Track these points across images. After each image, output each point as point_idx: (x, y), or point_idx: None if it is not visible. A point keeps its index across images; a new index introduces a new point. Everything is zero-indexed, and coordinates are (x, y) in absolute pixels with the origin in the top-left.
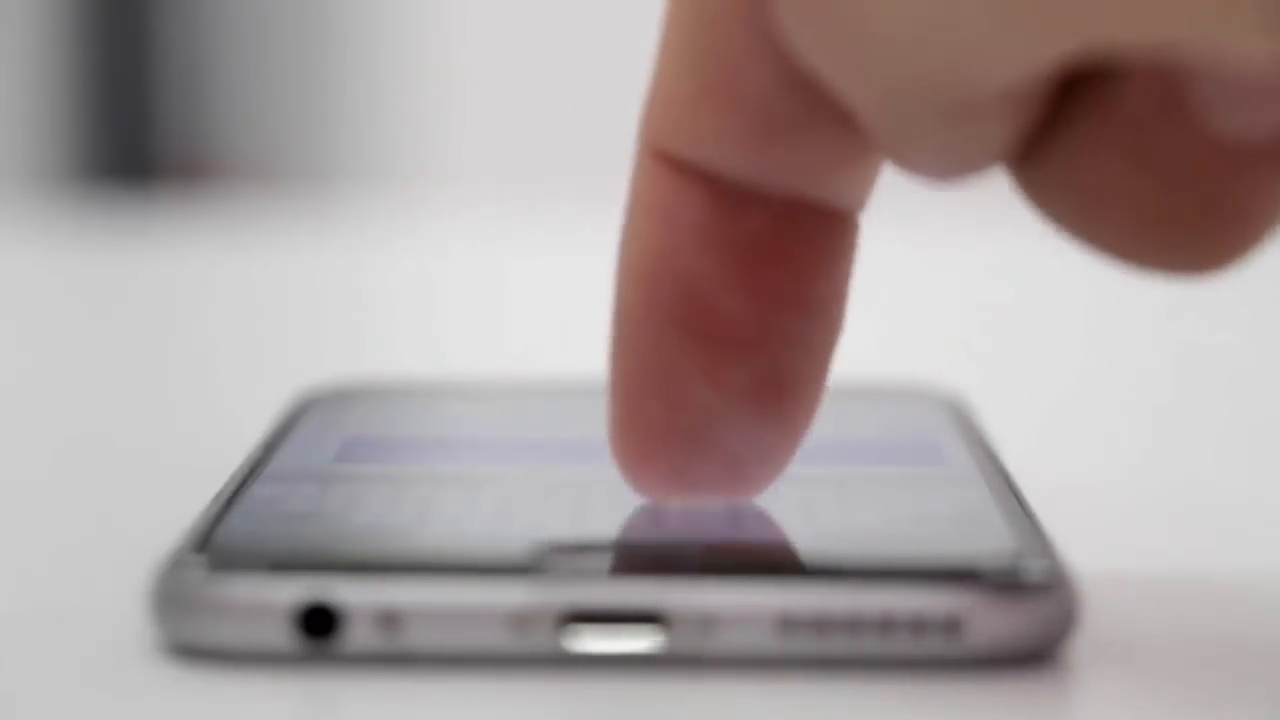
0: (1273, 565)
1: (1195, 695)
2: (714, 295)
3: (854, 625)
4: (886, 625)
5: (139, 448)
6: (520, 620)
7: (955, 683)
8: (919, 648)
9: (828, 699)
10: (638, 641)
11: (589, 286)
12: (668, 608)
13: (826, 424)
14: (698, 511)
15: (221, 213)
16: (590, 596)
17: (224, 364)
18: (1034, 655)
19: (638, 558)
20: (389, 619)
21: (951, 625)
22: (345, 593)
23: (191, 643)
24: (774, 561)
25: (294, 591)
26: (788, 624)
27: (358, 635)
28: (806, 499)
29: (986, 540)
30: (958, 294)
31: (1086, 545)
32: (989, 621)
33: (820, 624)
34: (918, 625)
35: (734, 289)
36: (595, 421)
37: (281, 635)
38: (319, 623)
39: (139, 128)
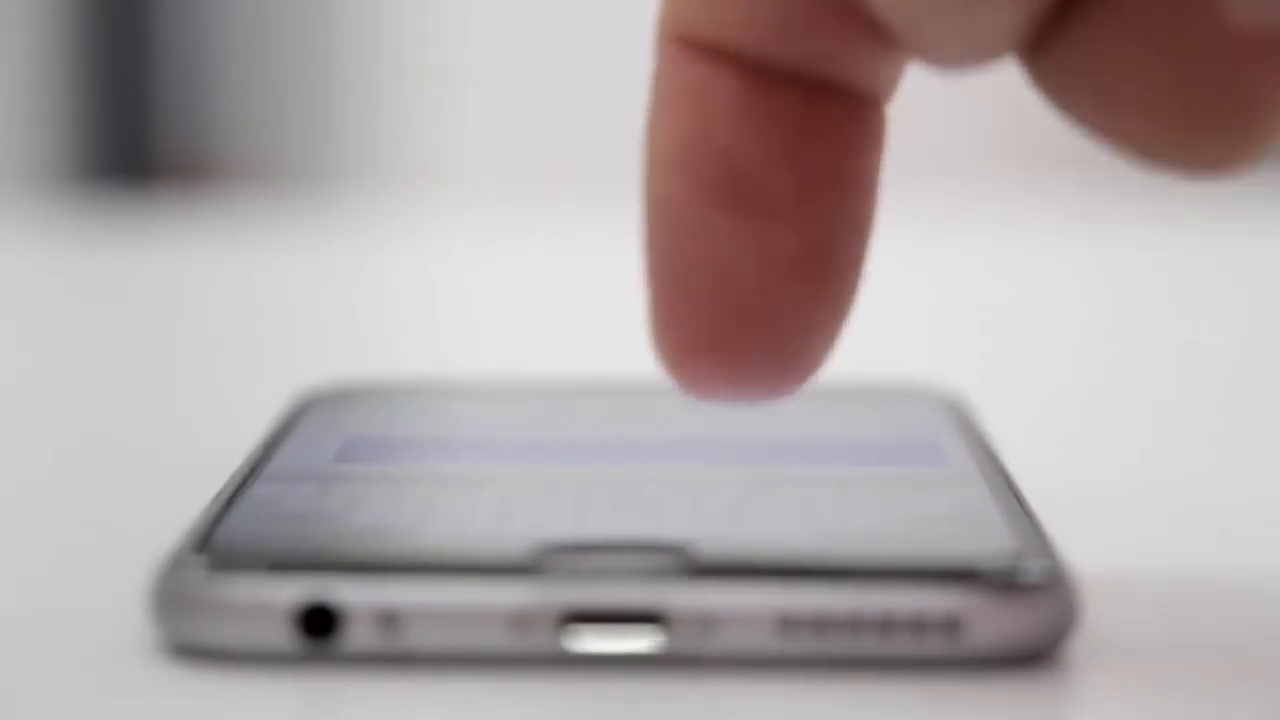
0: (1272, 565)
1: (1195, 695)
2: (756, 169)
3: (854, 625)
4: (886, 625)
5: (139, 448)
6: (520, 620)
7: (955, 683)
8: (919, 648)
9: (828, 699)
10: (638, 641)
11: (589, 286)
12: (668, 608)
13: (827, 424)
14: (697, 511)
15: (221, 213)
16: (590, 596)
17: (224, 364)
18: (1034, 655)
19: (638, 558)
20: (389, 619)
21: (951, 625)
22: (345, 593)
23: (191, 643)
24: (774, 561)
25: (294, 591)
26: (788, 624)
27: (358, 635)
28: (806, 499)
29: (986, 540)
30: (958, 294)
31: (1086, 545)
32: (989, 621)
33: (820, 624)
34: (918, 625)
35: (774, 161)
36: (596, 421)
37: (281, 635)
38: (319, 623)
39: (139, 128)
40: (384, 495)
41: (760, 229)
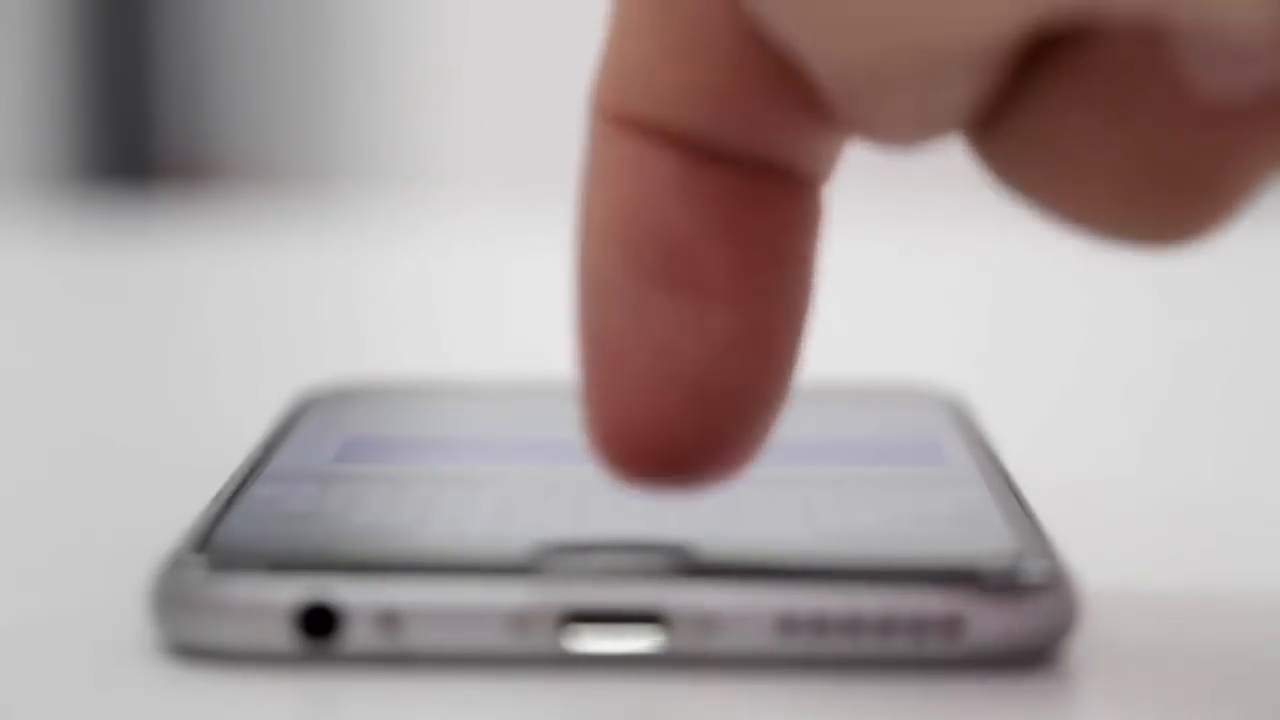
0: (1272, 566)
1: (1194, 695)
2: (692, 246)
3: (854, 625)
4: (886, 625)
5: (139, 448)
6: (520, 620)
7: (955, 683)
8: (919, 648)
9: (828, 699)
10: (638, 641)
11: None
12: (668, 608)
13: (826, 424)
14: (696, 511)
15: (221, 213)
16: (590, 596)
17: (224, 364)
18: (1033, 655)
19: (638, 558)
20: (389, 619)
21: (951, 625)
22: (345, 593)
23: (191, 643)
24: (774, 561)
25: (294, 591)
26: (788, 624)
27: (358, 635)
28: (806, 499)
29: (986, 540)
30: (958, 294)
31: (1086, 545)
32: (989, 621)
33: (820, 624)
34: (918, 625)
35: (712, 239)
36: None
37: (281, 635)
38: (319, 623)
39: (139, 128)
40: (384, 495)
41: (697, 307)
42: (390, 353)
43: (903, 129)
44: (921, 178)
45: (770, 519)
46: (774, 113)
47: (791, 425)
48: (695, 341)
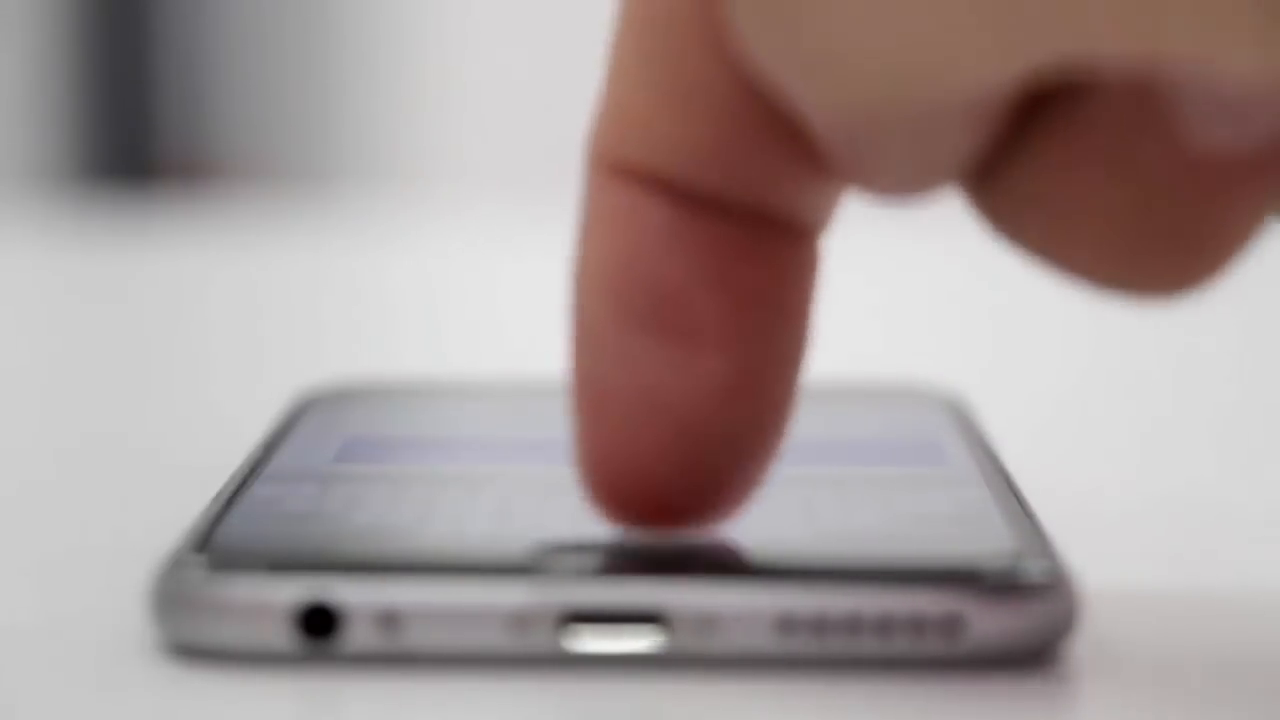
0: (1272, 566)
1: (1194, 695)
2: (684, 295)
3: (854, 625)
4: (886, 625)
5: (139, 448)
6: (520, 620)
7: (955, 683)
8: (919, 648)
9: (828, 699)
10: (638, 641)
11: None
12: (668, 608)
13: (827, 424)
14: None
15: (221, 213)
16: (590, 596)
17: (224, 364)
18: (1033, 655)
19: (638, 558)
20: (389, 619)
21: (951, 625)
22: (345, 593)
23: (191, 643)
24: (774, 561)
25: (294, 591)
26: (788, 624)
27: (358, 635)
28: (806, 499)
29: (986, 540)
30: (958, 294)
31: (1086, 545)
32: (989, 621)
33: (820, 624)
34: (918, 625)
35: (704, 288)
36: None
37: (281, 635)
38: (319, 623)
39: (139, 128)
40: (384, 495)
41: (688, 355)
42: (390, 353)
43: (898, 180)
44: None
45: (770, 519)
46: (770, 164)
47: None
48: (684, 384)
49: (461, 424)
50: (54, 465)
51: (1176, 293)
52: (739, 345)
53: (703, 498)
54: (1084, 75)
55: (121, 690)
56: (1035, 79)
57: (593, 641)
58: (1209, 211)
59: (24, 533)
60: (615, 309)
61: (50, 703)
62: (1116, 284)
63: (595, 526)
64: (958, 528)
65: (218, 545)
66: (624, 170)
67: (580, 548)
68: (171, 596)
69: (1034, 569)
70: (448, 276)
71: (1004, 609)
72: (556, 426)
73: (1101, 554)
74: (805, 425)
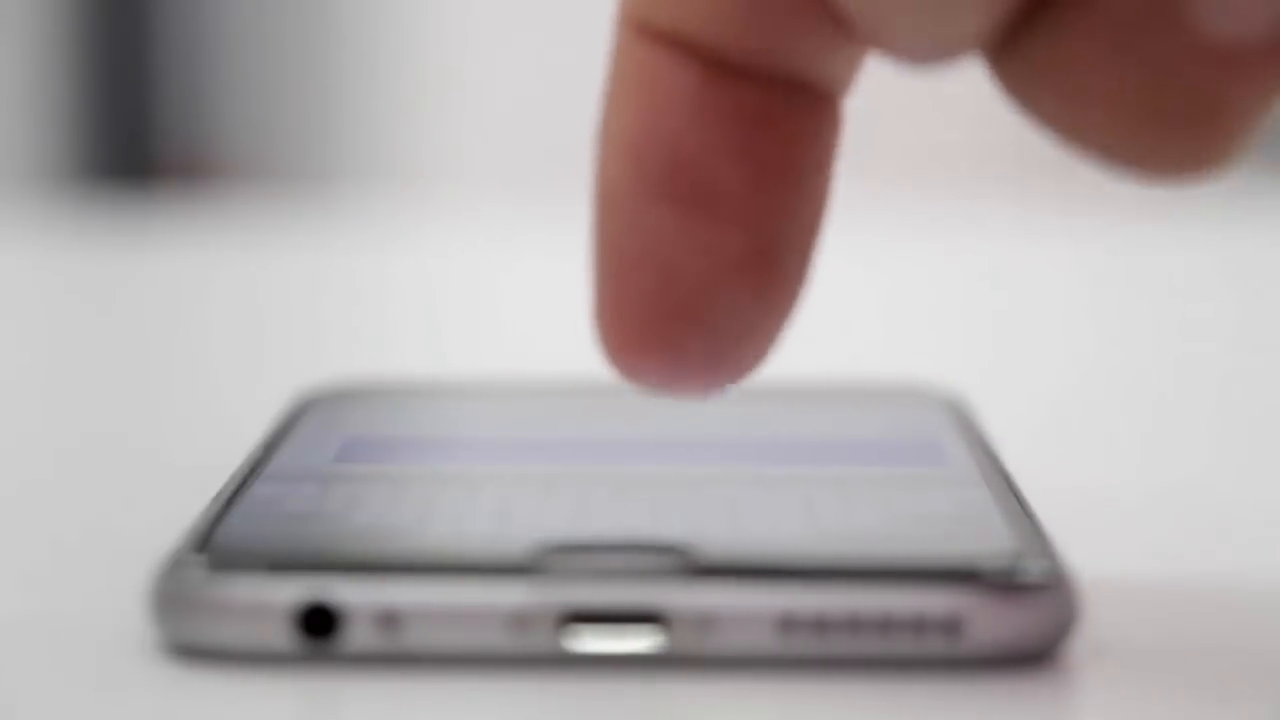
0: (1272, 566)
1: (1194, 695)
2: (704, 163)
3: (854, 625)
4: (886, 625)
5: (139, 448)
6: (520, 620)
7: (955, 683)
8: (919, 648)
9: (828, 699)
10: (638, 641)
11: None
12: (668, 608)
13: (827, 424)
14: (697, 511)
15: (221, 213)
16: (590, 596)
17: (224, 364)
18: (1034, 655)
19: (638, 558)
20: (389, 619)
21: (951, 625)
22: (345, 593)
23: (191, 643)
24: (774, 561)
25: (294, 591)
26: (788, 624)
27: (358, 635)
28: (806, 499)
29: (986, 540)
30: (957, 294)
31: (1086, 545)
32: (989, 621)
33: (820, 624)
34: (918, 625)
35: (723, 156)
36: (595, 421)
37: (281, 635)
38: (319, 623)
39: (139, 128)
40: (384, 495)
41: (705, 226)
42: (390, 353)
43: (920, 45)
44: (922, 177)
45: (770, 519)
46: (795, 26)
47: (792, 425)
48: (701, 259)
49: (461, 424)
50: (54, 465)
51: (1185, 173)
52: (758, 219)
53: (712, 365)
54: None
55: (121, 690)
56: None
57: (593, 641)
58: (1217, 96)
59: (24, 532)
60: (637, 175)
61: (50, 702)
62: (1126, 160)
63: (595, 526)
64: (958, 528)
65: (218, 545)
66: (651, 32)
67: (580, 548)
68: (171, 596)
69: (1034, 569)
70: (448, 276)
71: (1004, 609)
72: (556, 426)
73: (1101, 554)
74: (805, 425)
